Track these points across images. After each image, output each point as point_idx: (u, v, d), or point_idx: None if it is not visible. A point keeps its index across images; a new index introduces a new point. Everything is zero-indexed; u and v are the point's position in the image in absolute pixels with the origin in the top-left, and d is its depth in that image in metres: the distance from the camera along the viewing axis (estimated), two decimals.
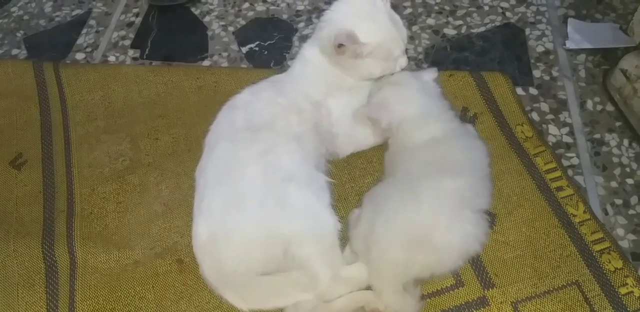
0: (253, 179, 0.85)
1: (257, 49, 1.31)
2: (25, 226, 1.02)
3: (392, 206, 0.81)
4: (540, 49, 1.22)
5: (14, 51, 1.38)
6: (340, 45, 0.88)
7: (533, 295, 0.86)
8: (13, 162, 1.12)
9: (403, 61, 0.96)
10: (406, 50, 0.97)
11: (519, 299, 0.86)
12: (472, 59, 1.22)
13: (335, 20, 0.92)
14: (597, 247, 0.90)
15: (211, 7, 1.42)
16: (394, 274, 0.80)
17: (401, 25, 0.94)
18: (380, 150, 1.02)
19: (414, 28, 1.29)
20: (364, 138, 1.00)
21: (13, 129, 1.17)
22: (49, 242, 0.98)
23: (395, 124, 0.91)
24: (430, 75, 0.97)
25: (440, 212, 0.79)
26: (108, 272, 0.95)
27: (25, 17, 1.47)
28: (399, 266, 0.79)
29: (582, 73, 1.17)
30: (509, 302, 0.86)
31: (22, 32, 1.43)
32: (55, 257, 0.97)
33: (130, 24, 1.41)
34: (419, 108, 0.92)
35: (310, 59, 0.97)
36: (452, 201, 0.80)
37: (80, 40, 1.38)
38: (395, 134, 0.92)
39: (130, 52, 1.34)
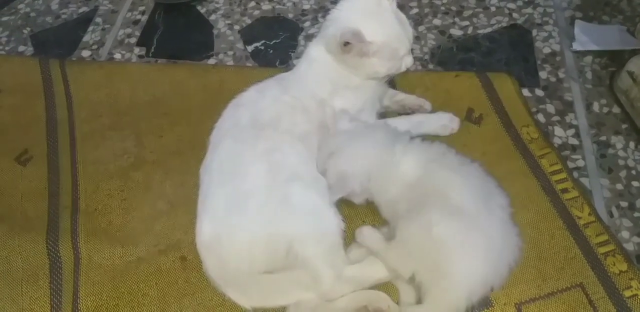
0: (257, 178, 0.85)
1: (262, 47, 1.31)
2: (30, 222, 1.02)
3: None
4: (546, 50, 1.22)
5: (21, 48, 1.39)
6: (346, 43, 0.88)
7: (537, 297, 0.86)
8: (18, 158, 1.12)
9: (409, 60, 0.96)
10: (412, 51, 0.97)
11: (523, 301, 0.86)
12: (478, 59, 1.22)
13: (341, 18, 0.92)
14: (602, 250, 0.89)
15: (217, 5, 1.42)
16: None
17: (407, 24, 0.94)
18: None
19: (420, 28, 1.29)
20: None
21: (19, 125, 1.18)
22: (53, 238, 0.99)
23: (365, 182, 0.85)
24: (343, 123, 0.92)
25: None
26: (112, 269, 0.95)
27: (32, 14, 1.47)
28: None
29: (589, 75, 1.17)
30: (513, 304, 0.85)
31: (28, 29, 1.43)
32: (60, 253, 0.97)
33: (136, 22, 1.41)
34: (374, 154, 0.86)
35: (316, 58, 0.97)
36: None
37: (86, 38, 1.38)
38: (377, 188, 0.86)
39: (136, 50, 1.34)
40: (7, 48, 1.39)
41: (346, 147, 0.88)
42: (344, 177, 0.85)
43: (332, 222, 0.85)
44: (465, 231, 0.76)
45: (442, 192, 0.80)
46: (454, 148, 0.97)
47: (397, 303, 0.85)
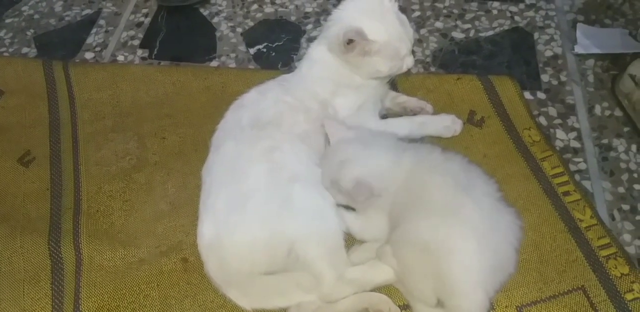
0: (258, 178, 0.85)
1: (265, 50, 1.32)
2: (32, 223, 1.02)
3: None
4: (548, 53, 1.22)
5: (24, 50, 1.39)
6: (349, 41, 0.88)
7: (538, 299, 0.86)
8: (21, 159, 1.12)
9: (410, 61, 0.96)
10: (414, 53, 0.97)
11: (524, 304, 0.85)
12: (480, 62, 1.22)
13: (343, 18, 0.93)
14: (604, 253, 0.89)
15: (220, 8, 1.43)
16: None
17: (408, 25, 0.94)
18: None
19: (422, 31, 1.30)
20: None
21: (22, 126, 1.18)
22: (55, 239, 0.99)
23: (382, 183, 0.84)
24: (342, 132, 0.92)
25: None
26: (113, 270, 0.95)
27: (36, 16, 1.48)
28: None
29: (591, 78, 1.17)
30: (514, 307, 0.85)
31: (32, 31, 1.44)
32: (62, 254, 0.97)
33: (139, 24, 1.42)
34: (385, 157, 0.86)
35: (317, 58, 0.97)
36: None
37: (89, 40, 1.39)
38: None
39: (139, 52, 1.35)
40: (10, 50, 1.39)
41: (357, 153, 0.87)
42: (362, 180, 0.82)
43: (334, 223, 0.85)
44: (447, 228, 0.76)
45: (421, 194, 0.81)
46: (455, 150, 0.98)
47: (399, 306, 0.85)
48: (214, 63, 1.30)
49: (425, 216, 0.78)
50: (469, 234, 0.75)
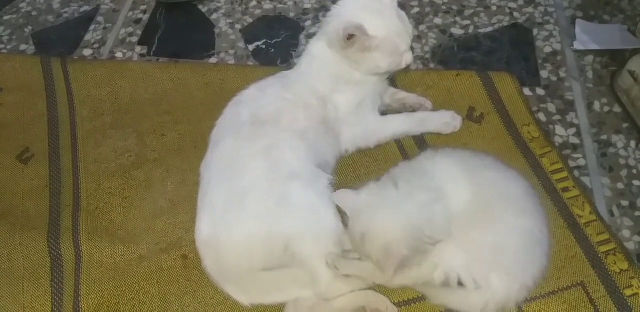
0: (256, 175, 0.85)
1: (264, 47, 1.31)
2: (31, 220, 1.02)
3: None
4: (547, 49, 1.22)
5: (22, 47, 1.39)
6: (350, 37, 0.88)
7: (537, 295, 0.86)
8: (20, 157, 1.12)
9: (409, 57, 0.96)
10: (413, 50, 0.97)
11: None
12: (480, 59, 1.22)
13: (342, 14, 0.93)
14: (603, 249, 0.89)
15: (219, 4, 1.42)
16: None
17: (407, 21, 0.94)
18: (385, 148, 1.02)
19: (421, 27, 1.29)
20: (370, 135, 1.00)
21: (20, 123, 1.18)
22: (54, 236, 0.99)
23: (418, 235, 0.76)
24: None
25: None
26: (113, 267, 0.95)
27: (34, 13, 1.47)
28: None
29: (590, 74, 1.17)
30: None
31: (30, 27, 1.43)
32: (61, 251, 0.97)
33: (137, 21, 1.41)
34: (406, 206, 0.78)
35: (316, 54, 0.97)
36: None
37: (87, 37, 1.39)
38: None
39: (138, 49, 1.34)
40: (8, 47, 1.39)
41: (374, 221, 0.78)
42: (388, 247, 0.75)
43: (331, 221, 0.85)
44: (537, 226, 0.80)
45: (501, 195, 0.81)
46: (454, 147, 0.99)
47: (396, 304, 0.85)
48: (213, 60, 1.30)
49: (515, 217, 0.79)
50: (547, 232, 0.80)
